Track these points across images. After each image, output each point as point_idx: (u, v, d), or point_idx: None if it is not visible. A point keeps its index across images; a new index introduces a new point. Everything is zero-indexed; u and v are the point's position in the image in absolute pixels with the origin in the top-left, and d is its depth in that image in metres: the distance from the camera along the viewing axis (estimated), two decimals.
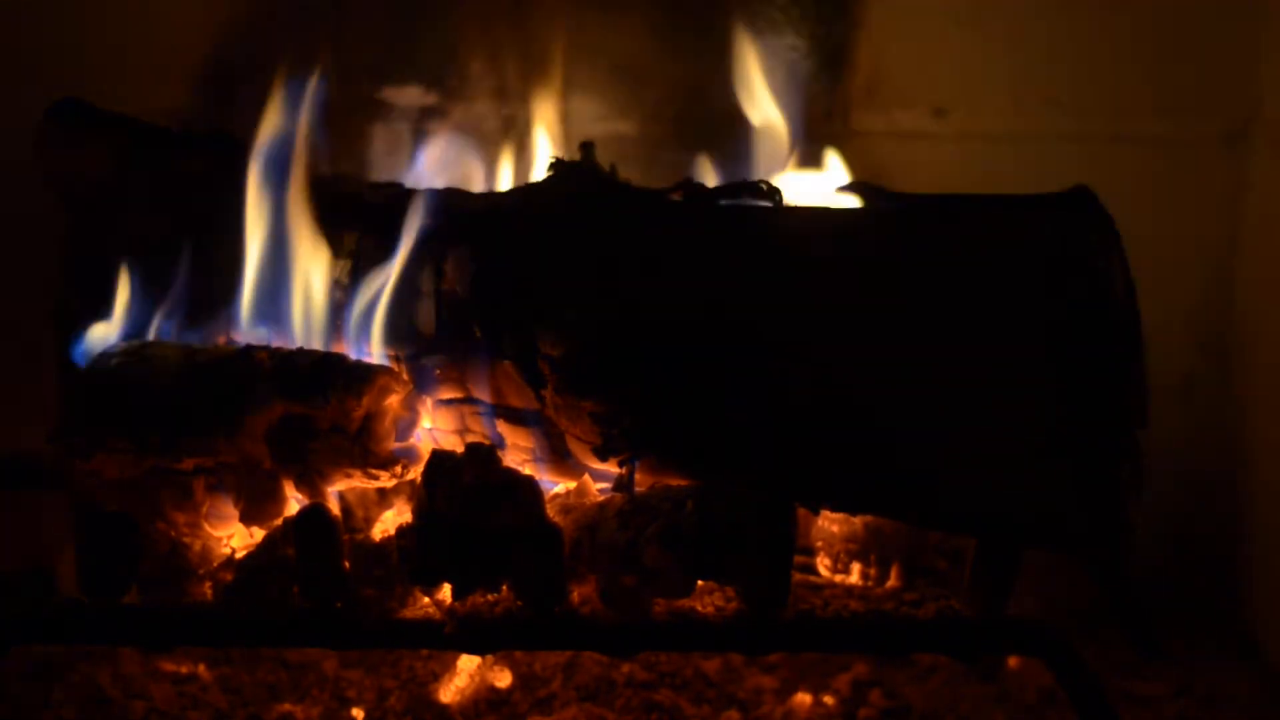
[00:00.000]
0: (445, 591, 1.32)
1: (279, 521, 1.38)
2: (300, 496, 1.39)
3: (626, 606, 1.31)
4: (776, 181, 1.46)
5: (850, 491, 1.31)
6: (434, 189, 1.53)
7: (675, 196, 1.44)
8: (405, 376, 1.42)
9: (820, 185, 1.60)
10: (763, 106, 1.68)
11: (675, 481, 1.36)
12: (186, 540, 1.38)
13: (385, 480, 1.38)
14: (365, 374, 1.36)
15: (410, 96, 1.96)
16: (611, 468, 1.37)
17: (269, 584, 1.34)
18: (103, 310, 1.54)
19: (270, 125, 1.54)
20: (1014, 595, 1.33)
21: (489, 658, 1.68)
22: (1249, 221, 1.93)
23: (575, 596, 1.33)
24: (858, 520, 1.45)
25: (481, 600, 1.32)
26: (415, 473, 1.38)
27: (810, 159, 1.67)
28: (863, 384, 1.26)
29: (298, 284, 1.49)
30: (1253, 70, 1.90)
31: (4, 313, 1.94)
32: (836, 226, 1.37)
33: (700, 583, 1.32)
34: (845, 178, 1.65)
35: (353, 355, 1.44)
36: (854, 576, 1.45)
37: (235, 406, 1.34)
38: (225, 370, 1.37)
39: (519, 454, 1.43)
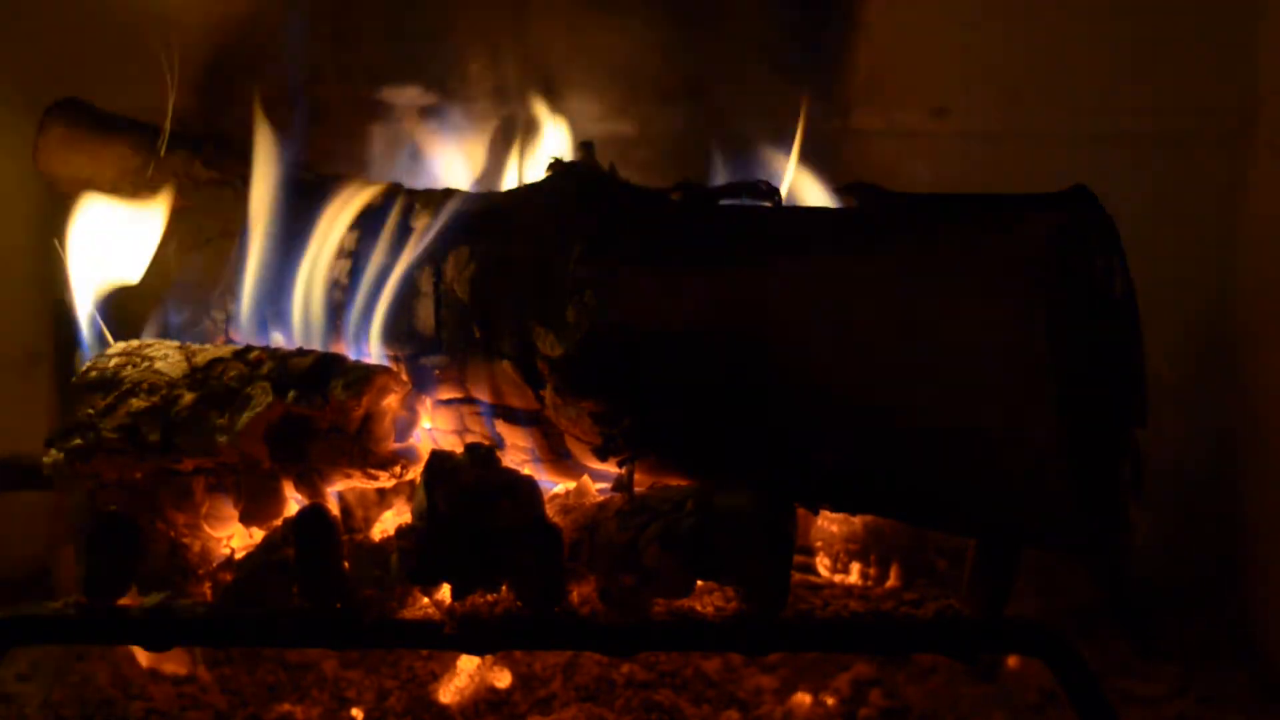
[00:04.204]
0: (445, 592, 1.32)
1: (278, 522, 1.38)
2: (300, 496, 1.39)
3: (626, 606, 1.30)
4: (776, 181, 1.46)
5: (850, 491, 1.31)
6: (433, 189, 1.53)
7: (675, 196, 1.44)
8: (404, 376, 1.42)
9: (819, 185, 1.60)
10: (762, 106, 1.68)
11: (675, 481, 1.36)
12: (186, 540, 1.38)
13: (384, 480, 1.38)
14: (364, 374, 1.36)
15: (410, 96, 1.96)
16: (611, 468, 1.37)
17: (269, 584, 1.34)
18: (103, 311, 1.54)
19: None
20: (1014, 595, 1.33)
21: (489, 658, 1.68)
22: (1248, 221, 1.93)
23: (575, 596, 1.33)
24: (858, 520, 1.45)
25: (481, 600, 1.32)
26: (415, 473, 1.38)
27: (810, 159, 1.67)
28: (862, 384, 1.26)
29: (298, 284, 1.49)
30: (1252, 70, 1.90)
31: (3, 313, 1.94)
32: (835, 226, 1.37)
33: (700, 583, 1.32)
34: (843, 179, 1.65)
35: (352, 355, 1.44)
36: (853, 576, 1.45)
37: (234, 407, 1.34)
38: (224, 370, 1.37)
39: (518, 454, 1.43)
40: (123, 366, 1.40)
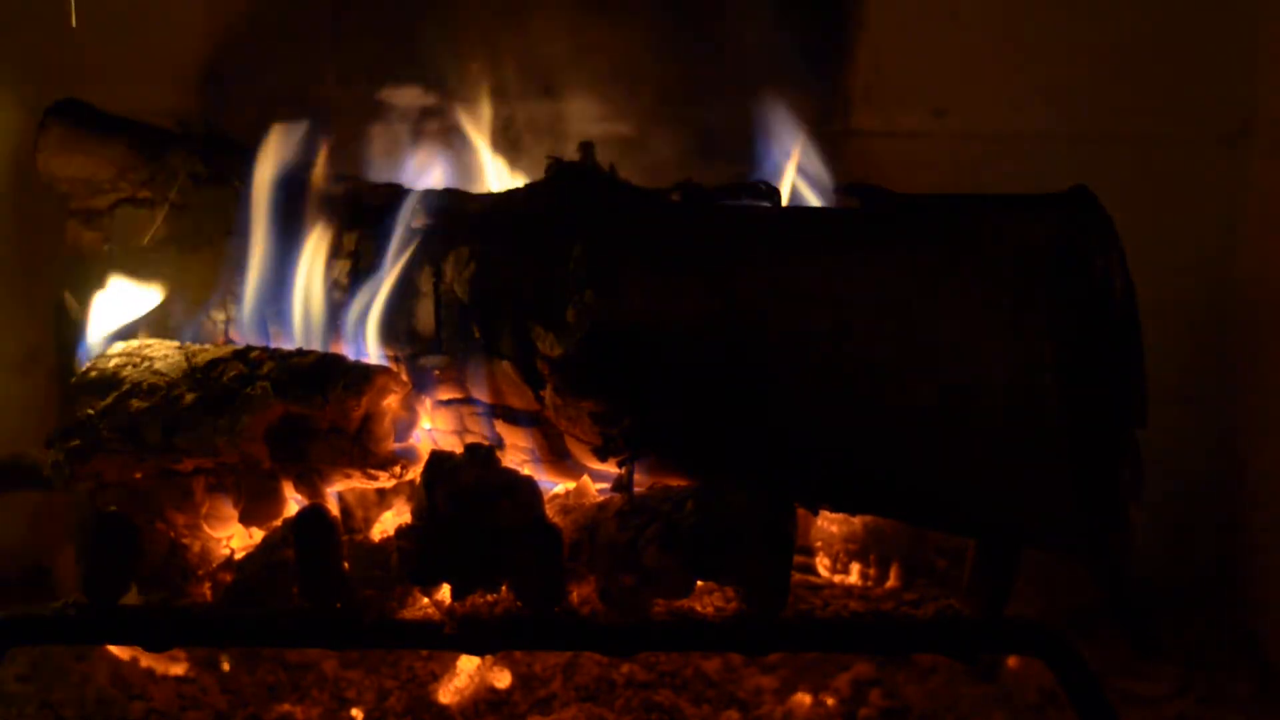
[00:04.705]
0: (445, 592, 1.32)
1: (278, 522, 1.38)
2: (299, 497, 1.39)
3: (626, 606, 1.31)
4: (775, 182, 1.46)
5: (850, 491, 1.31)
6: (432, 189, 1.53)
7: (674, 196, 1.44)
8: (404, 377, 1.42)
9: (819, 185, 1.60)
10: (762, 106, 1.68)
11: (675, 481, 1.36)
12: (186, 541, 1.38)
13: (384, 480, 1.38)
14: (364, 374, 1.36)
15: (410, 96, 1.96)
16: (611, 468, 1.37)
17: (269, 584, 1.34)
18: (103, 311, 1.54)
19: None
20: (1014, 595, 1.33)
21: (489, 658, 1.68)
22: (1249, 221, 1.93)
23: (575, 596, 1.33)
24: (858, 520, 1.45)
25: (481, 600, 1.32)
26: (415, 473, 1.38)
27: (810, 159, 1.67)
28: (862, 384, 1.26)
29: (297, 284, 1.49)
30: (1251, 70, 1.90)
31: (4, 313, 1.94)
32: (835, 226, 1.37)
33: (700, 583, 1.32)
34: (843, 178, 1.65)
35: (352, 356, 1.44)
36: (853, 576, 1.45)
37: (234, 407, 1.34)
38: (224, 370, 1.37)
39: (518, 454, 1.43)
40: (123, 366, 1.40)
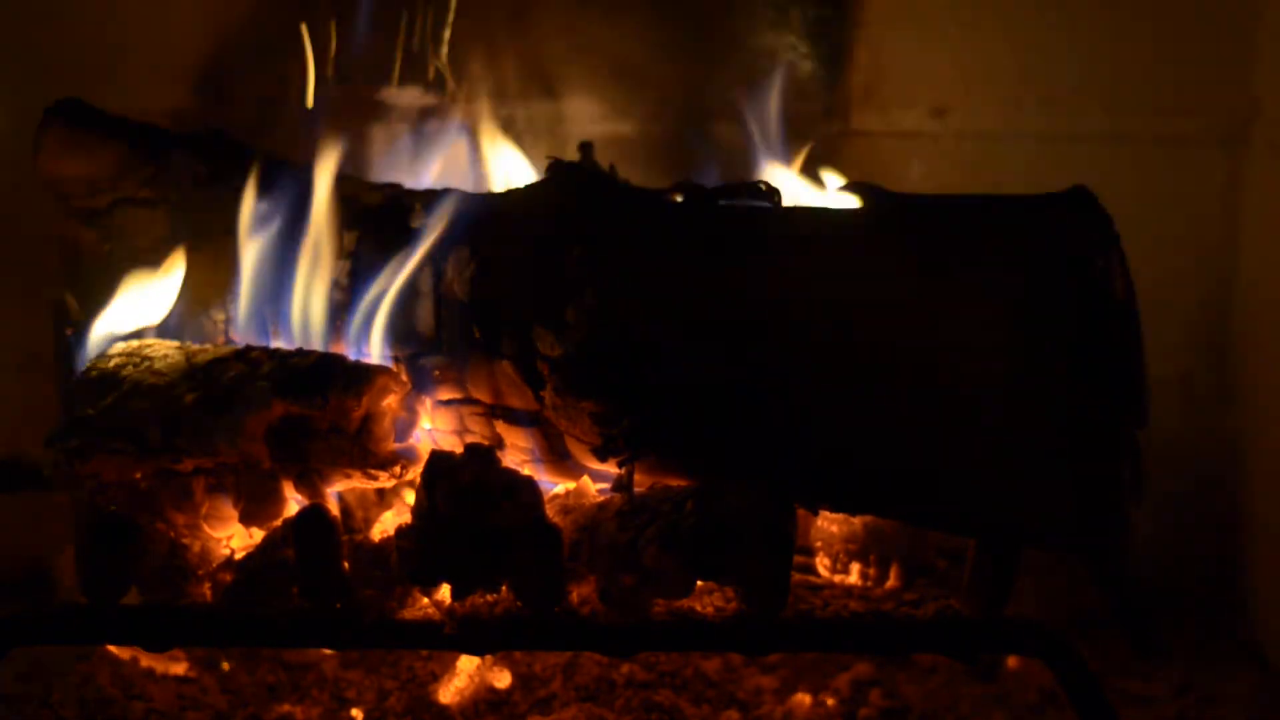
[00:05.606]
0: (444, 592, 1.32)
1: (278, 522, 1.38)
2: (300, 497, 1.39)
3: (626, 606, 1.31)
4: (776, 182, 1.46)
5: (850, 491, 1.31)
6: (437, 189, 1.53)
7: (675, 197, 1.44)
8: (404, 377, 1.42)
9: (819, 185, 1.60)
10: (762, 106, 1.68)
11: (675, 481, 1.36)
12: (186, 541, 1.38)
13: (384, 480, 1.38)
14: (364, 374, 1.36)
15: (410, 96, 1.96)
16: (611, 468, 1.37)
17: (269, 584, 1.34)
18: (103, 311, 1.54)
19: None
20: (1014, 595, 1.33)
21: (488, 658, 1.68)
22: (1248, 221, 1.93)
23: (575, 596, 1.33)
24: (857, 520, 1.45)
25: (481, 600, 1.32)
26: (415, 473, 1.38)
27: (810, 159, 1.67)
28: (862, 384, 1.26)
29: (296, 284, 1.49)
30: (1251, 70, 1.90)
31: (4, 313, 1.94)
32: (836, 227, 1.37)
33: (700, 583, 1.32)
34: (843, 178, 1.65)
35: (352, 356, 1.44)
36: (853, 576, 1.45)
37: (234, 407, 1.34)
38: (224, 370, 1.37)
39: (518, 454, 1.43)
40: (123, 366, 1.40)
